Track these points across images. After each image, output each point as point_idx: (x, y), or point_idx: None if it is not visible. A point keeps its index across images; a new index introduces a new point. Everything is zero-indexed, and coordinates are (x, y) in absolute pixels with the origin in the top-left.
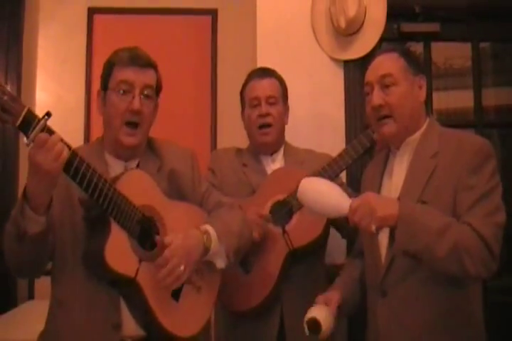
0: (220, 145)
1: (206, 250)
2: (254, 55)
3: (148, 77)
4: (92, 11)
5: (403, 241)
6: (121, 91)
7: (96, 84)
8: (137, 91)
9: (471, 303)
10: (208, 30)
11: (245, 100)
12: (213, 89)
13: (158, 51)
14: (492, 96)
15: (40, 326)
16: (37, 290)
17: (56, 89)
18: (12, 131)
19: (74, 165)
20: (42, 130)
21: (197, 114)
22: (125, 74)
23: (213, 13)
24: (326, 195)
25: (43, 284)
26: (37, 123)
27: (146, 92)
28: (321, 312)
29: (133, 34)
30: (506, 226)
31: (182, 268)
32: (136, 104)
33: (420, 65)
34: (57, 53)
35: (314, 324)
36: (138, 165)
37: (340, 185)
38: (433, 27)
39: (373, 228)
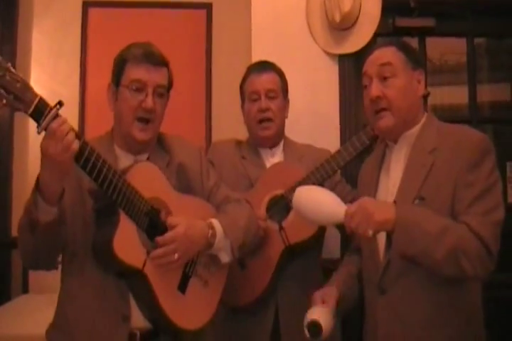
0: (214, 139)
1: (209, 245)
2: (249, 49)
3: (161, 76)
4: (86, 5)
5: (401, 246)
6: (134, 89)
7: (91, 79)
8: (150, 90)
9: (470, 299)
10: (202, 23)
11: (245, 94)
12: (208, 83)
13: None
14: (487, 93)
15: (34, 320)
16: (31, 284)
17: (50, 83)
18: (7, 120)
19: (84, 155)
20: (53, 119)
21: (192, 108)
22: (138, 72)
23: (208, 7)
24: (319, 204)
25: (37, 278)
26: (48, 112)
27: (158, 91)
28: (320, 314)
29: (128, 28)
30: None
31: (176, 256)
32: (149, 102)
33: (419, 59)
34: (51, 47)
35: (315, 327)
36: (147, 159)
37: (338, 181)
38: (428, 22)
39: (370, 233)
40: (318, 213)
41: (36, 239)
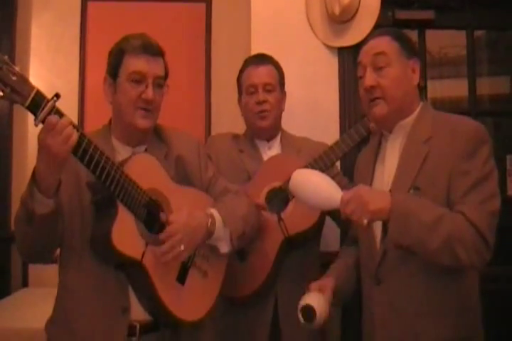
0: (214, 132)
1: (209, 233)
2: (249, 42)
3: (159, 67)
4: None
5: (396, 235)
6: (134, 80)
7: (90, 72)
8: (150, 81)
9: (466, 290)
10: (202, 17)
11: (242, 87)
12: (207, 77)
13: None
14: (486, 85)
15: (33, 314)
16: (30, 278)
17: (49, 76)
18: (6, 113)
19: (82, 147)
20: (50, 111)
21: (191, 102)
22: (137, 64)
23: (207, 1)
24: (317, 187)
25: (37, 272)
26: (45, 104)
27: (157, 82)
28: (315, 300)
29: (127, 21)
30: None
31: (182, 247)
32: (150, 94)
33: (414, 49)
34: (50, 41)
35: (309, 311)
36: (145, 151)
37: (336, 174)
38: (428, 14)
39: (365, 222)
40: (314, 197)
41: (33, 231)
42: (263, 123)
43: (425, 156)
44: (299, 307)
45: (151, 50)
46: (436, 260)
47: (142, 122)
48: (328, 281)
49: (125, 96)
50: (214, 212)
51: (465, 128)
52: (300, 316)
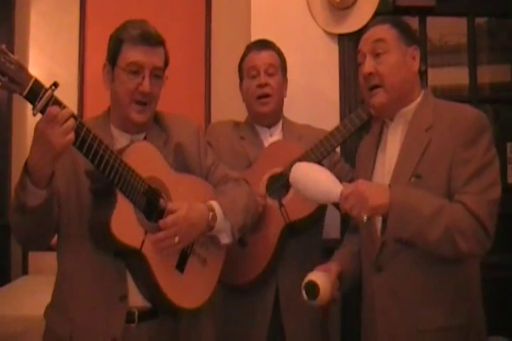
0: (214, 120)
1: (210, 227)
2: (248, 29)
3: (157, 57)
4: None
5: (395, 230)
6: (131, 71)
7: (89, 60)
8: (147, 73)
9: (467, 278)
10: (202, 4)
11: (244, 71)
12: (207, 63)
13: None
14: (487, 73)
15: (33, 301)
16: (30, 265)
17: (49, 64)
18: (5, 103)
19: (81, 136)
20: (49, 100)
21: (191, 89)
22: (135, 54)
23: None
24: (316, 181)
25: (37, 259)
26: (44, 94)
27: (155, 73)
28: (319, 277)
29: (127, 8)
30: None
31: (177, 239)
32: (146, 86)
33: (414, 36)
34: (49, 28)
35: (312, 288)
36: (144, 139)
37: (338, 160)
38: (428, 1)
39: (364, 218)
40: (313, 190)
41: (25, 221)
42: (264, 108)
43: (427, 144)
44: (303, 283)
45: (150, 40)
46: (436, 251)
47: (138, 117)
48: (333, 265)
49: (122, 86)
50: (215, 205)
51: (466, 117)
52: (303, 293)
